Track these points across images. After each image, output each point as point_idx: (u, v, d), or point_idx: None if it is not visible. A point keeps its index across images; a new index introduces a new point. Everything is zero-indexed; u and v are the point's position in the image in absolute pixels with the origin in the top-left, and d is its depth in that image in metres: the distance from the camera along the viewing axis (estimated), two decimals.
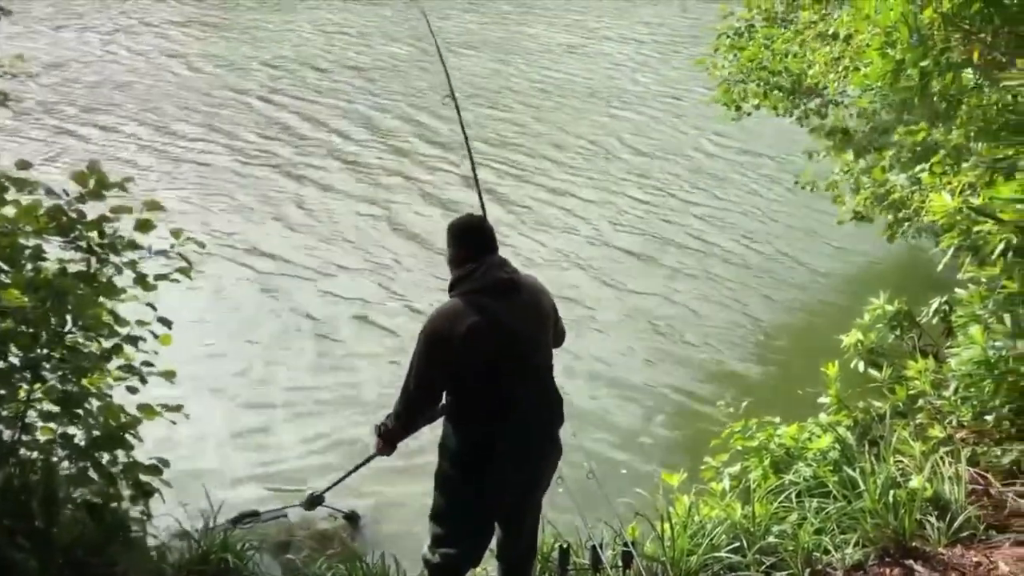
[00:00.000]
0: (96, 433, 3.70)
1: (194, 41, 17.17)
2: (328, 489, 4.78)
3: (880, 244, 7.27)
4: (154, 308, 3.90)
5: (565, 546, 3.59)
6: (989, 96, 4.41)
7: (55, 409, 3.63)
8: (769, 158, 11.71)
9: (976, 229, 3.62)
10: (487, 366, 3.14)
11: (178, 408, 4.03)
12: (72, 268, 3.77)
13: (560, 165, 11.22)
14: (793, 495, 3.89)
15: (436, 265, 7.86)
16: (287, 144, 11.55)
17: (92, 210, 3.79)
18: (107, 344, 3.80)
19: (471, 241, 3.26)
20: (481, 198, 4.33)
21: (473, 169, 4.50)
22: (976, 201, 3.53)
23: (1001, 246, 3.49)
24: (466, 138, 4.53)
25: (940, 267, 4.15)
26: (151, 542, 3.93)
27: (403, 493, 4.99)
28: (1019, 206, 3.31)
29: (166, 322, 3.92)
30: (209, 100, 13.31)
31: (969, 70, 4.22)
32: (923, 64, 4.05)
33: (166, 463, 3.96)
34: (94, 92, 13.37)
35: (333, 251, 8.47)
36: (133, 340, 3.87)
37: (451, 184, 10.29)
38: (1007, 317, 4.22)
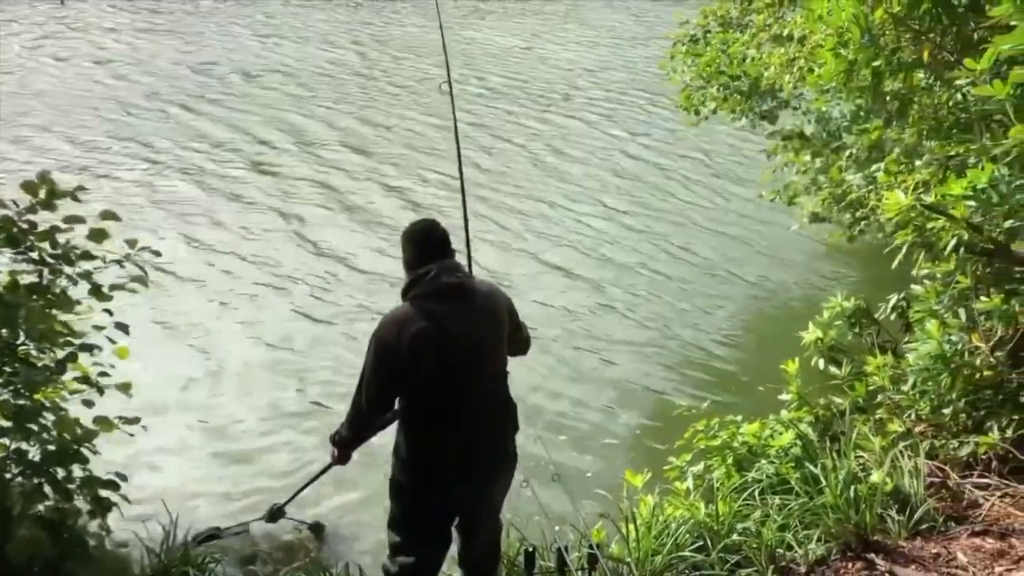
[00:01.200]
0: (51, 448, 3.63)
1: (125, 48, 16.95)
2: (289, 501, 4.73)
3: (838, 243, 7.38)
4: (110, 313, 3.84)
5: (531, 549, 3.58)
6: (940, 95, 4.49)
7: (8, 424, 3.55)
8: (713, 161, 11.90)
9: (929, 226, 3.68)
10: (435, 372, 3.12)
11: (135, 421, 3.97)
12: (24, 280, 3.70)
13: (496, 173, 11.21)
14: (756, 492, 3.93)
15: (368, 278, 7.91)
16: (202, 153, 11.22)
17: (44, 220, 3.73)
18: (61, 355, 3.73)
19: (422, 246, 3.24)
20: (464, 199, 4.24)
21: (460, 170, 4.42)
22: (928, 199, 3.58)
23: (953, 242, 3.55)
24: (456, 137, 4.42)
25: (895, 264, 4.21)
26: (110, 557, 3.86)
27: (367, 500, 4.95)
28: (969, 203, 3.36)
29: (123, 327, 3.86)
30: (131, 108, 13.05)
31: (920, 70, 4.30)
32: (875, 64, 4.12)
33: (124, 477, 3.90)
34: (13, 101, 12.90)
35: (247, 269, 8.24)
36: (88, 348, 3.81)
37: (372, 194, 10.15)
38: (961, 312, 4.30)
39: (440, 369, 3.12)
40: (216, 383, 6.31)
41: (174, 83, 14.49)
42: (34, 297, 3.66)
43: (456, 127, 4.46)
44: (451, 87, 4.43)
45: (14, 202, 3.71)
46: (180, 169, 10.68)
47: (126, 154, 11.14)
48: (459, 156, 4.30)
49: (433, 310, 3.12)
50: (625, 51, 18.96)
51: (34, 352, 3.66)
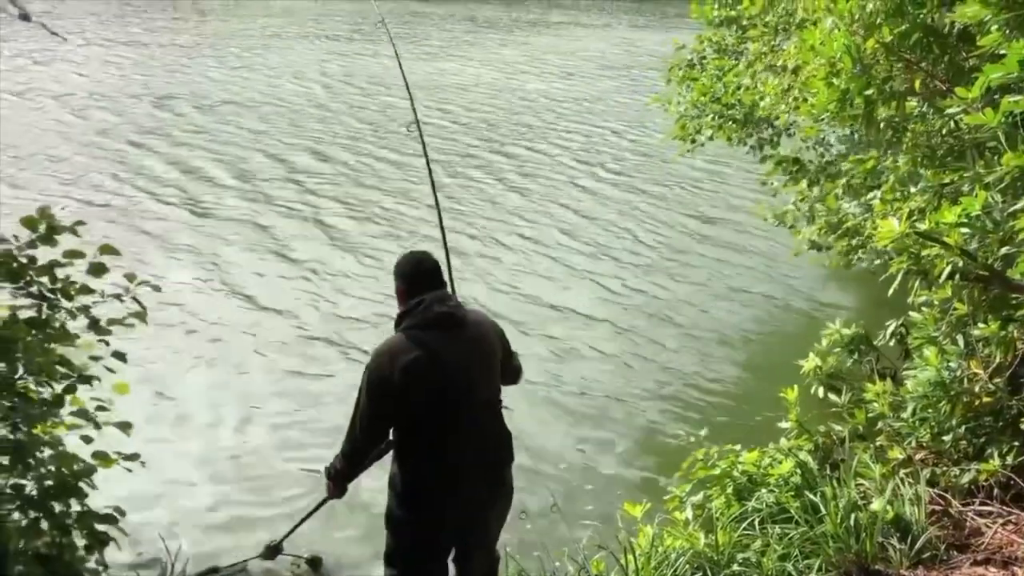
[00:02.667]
0: (49, 483, 3.62)
1: (86, 80, 17.02)
2: (286, 536, 4.71)
3: (836, 269, 7.39)
4: (107, 343, 3.83)
5: None
6: (933, 123, 4.52)
7: (5, 461, 3.54)
8: (704, 188, 11.93)
9: (924, 253, 3.69)
10: (428, 401, 3.13)
11: (135, 457, 3.95)
12: (23, 314, 3.71)
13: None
14: (756, 522, 3.90)
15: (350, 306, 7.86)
16: (142, 191, 11.06)
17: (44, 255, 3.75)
18: (59, 388, 3.73)
19: (413, 277, 3.29)
20: (443, 231, 4.31)
21: (436, 201, 4.48)
22: (923, 226, 3.59)
23: (948, 270, 3.56)
24: (429, 170, 4.54)
25: (891, 291, 4.23)
26: None
27: (365, 533, 4.92)
28: (964, 230, 3.38)
29: (120, 356, 3.86)
30: (80, 142, 13.03)
31: (912, 98, 4.34)
32: (867, 93, 4.16)
33: (122, 512, 3.87)
34: None
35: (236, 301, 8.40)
36: (87, 379, 3.80)
37: (290, 227, 10.03)
38: (960, 338, 4.31)
39: (432, 398, 3.14)
40: (209, 417, 6.28)
41: (130, 118, 14.52)
42: (33, 332, 3.66)
43: (427, 160, 4.56)
44: (419, 129, 4.55)
45: (15, 236, 3.74)
46: (123, 207, 10.45)
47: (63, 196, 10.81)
48: (434, 190, 4.40)
49: (425, 340, 3.14)
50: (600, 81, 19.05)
51: (32, 386, 3.66)
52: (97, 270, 3.81)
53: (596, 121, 15.83)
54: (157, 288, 3.97)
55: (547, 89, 18.24)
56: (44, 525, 3.56)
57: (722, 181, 12.31)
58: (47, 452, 3.63)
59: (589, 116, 16.20)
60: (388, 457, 3.44)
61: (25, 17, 3.59)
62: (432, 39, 22.82)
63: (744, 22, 7.49)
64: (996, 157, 3.39)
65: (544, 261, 9.20)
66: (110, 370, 3.84)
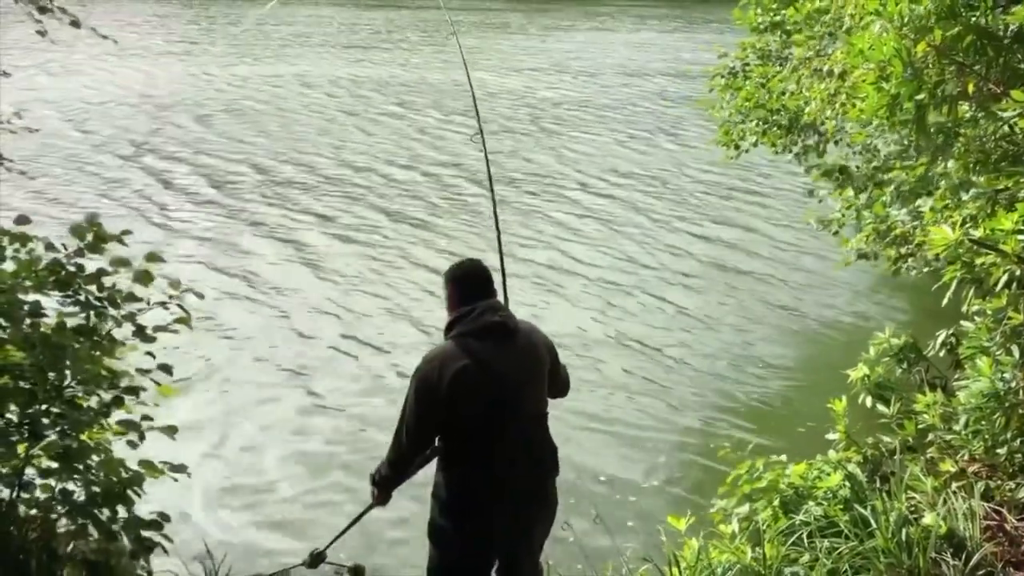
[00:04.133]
0: (96, 489, 3.66)
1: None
2: (330, 544, 4.69)
3: (884, 277, 7.27)
4: (153, 356, 3.88)
5: None
6: (986, 127, 4.41)
7: (54, 465, 3.60)
8: (751, 194, 11.80)
9: (978, 261, 3.60)
10: (476, 410, 3.11)
11: (182, 468, 3.98)
12: (71, 322, 3.77)
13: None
14: (804, 535, 3.81)
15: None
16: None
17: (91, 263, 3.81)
18: (107, 397, 3.78)
19: (465, 284, 3.28)
20: (500, 240, 4.27)
21: (495, 208, 4.45)
22: (977, 233, 3.50)
23: (1004, 278, 3.47)
24: (490, 177, 4.49)
25: (945, 301, 4.12)
26: None
27: (409, 541, 4.91)
28: (1020, 237, 3.29)
29: (167, 368, 3.90)
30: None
31: (965, 102, 4.24)
32: (919, 97, 4.07)
33: (167, 518, 3.91)
34: None
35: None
36: (133, 391, 3.85)
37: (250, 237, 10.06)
38: (1015, 348, 4.18)
39: (480, 407, 3.12)
40: (258, 426, 6.34)
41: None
42: (81, 339, 3.72)
43: (488, 167, 4.51)
44: (482, 135, 4.50)
45: (63, 245, 3.80)
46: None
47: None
48: (492, 197, 4.35)
49: (475, 348, 3.13)
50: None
51: (80, 394, 3.71)
52: (143, 278, 3.86)
53: (626, 128, 15.79)
54: (200, 295, 4.00)
55: (565, 96, 18.22)
56: (92, 531, 3.60)
57: (763, 191, 12.19)
58: (94, 459, 3.67)
59: (615, 122, 16.14)
60: (431, 466, 3.42)
61: (75, 23, 3.67)
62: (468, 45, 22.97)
63: (788, 27, 7.41)
64: None
65: (577, 275, 9.13)
66: (156, 383, 3.88)
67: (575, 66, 21.58)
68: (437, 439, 3.28)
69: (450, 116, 16.07)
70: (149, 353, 3.84)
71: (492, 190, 4.41)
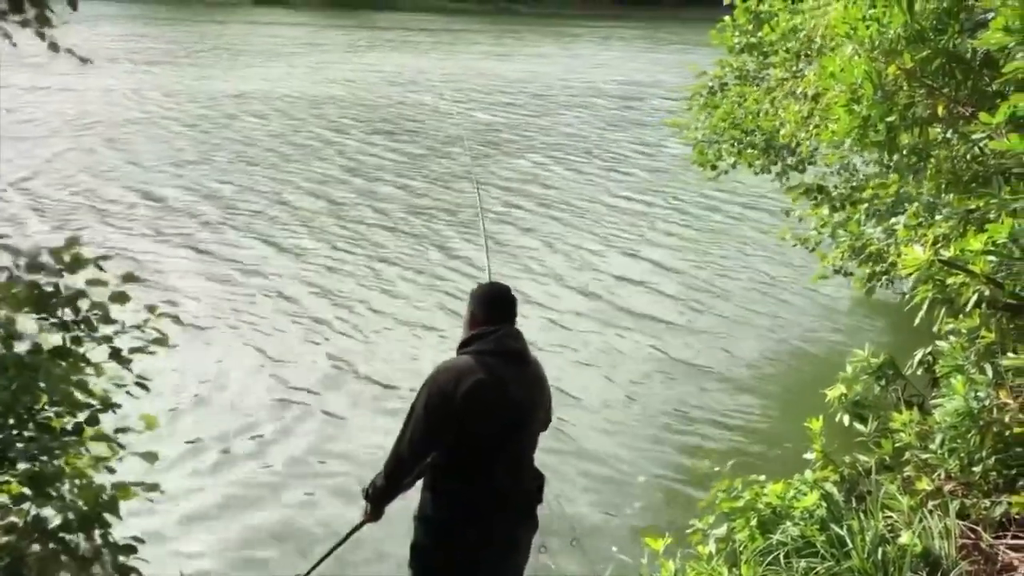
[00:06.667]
0: (71, 515, 3.62)
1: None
2: (313, 568, 4.65)
3: (862, 296, 7.31)
4: (130, 371, 3.84)
5: None
6: (957, 148, 4.47)
7: (27, 491, 3.55)
8: (728, 213, 11.88)
9: (950, 281, 3.64)
10: (484, 427, 3.13)
11: (155, 487, 3.94)
12: (47, 344, 3.74)
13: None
14: (781, 556, 3.82)
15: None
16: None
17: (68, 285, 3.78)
18: (81, 417, 3.74)
19: (493, 305, 3.33)
20: (489, 264, 4.33)
21: (485, 235, 4.51)
22: (948, 254, 3.55)
23: (974, 298, 3.51)
24: (479, 200, 4.56)
25: (917, 321, 4.16)
26: None
27: (398, 563, 4.87)
28: (990, 258, 3.33)
29: (143, 384, 3.86)
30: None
31: (935, 124, 4.30)
32: (889, 119, 4.13)
33: (141, 540, 3.86)
34: None
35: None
36: (111, 406, 3.80)
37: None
38: (988, 367, 4.22)
39: (489, 425, 3.15)
40: (234, 445, 6.29)
41: None
42: (58, 361, 3.69)
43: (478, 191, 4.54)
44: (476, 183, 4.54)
45: (43, 267, 3.77)
46: None
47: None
48: (483, 225, 4.41)
49: (494, 367, 3.16)
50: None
51: (53, 416, 3.67)
52: (118, 299, 3.83)
53: (627, 142, 15.90)
54: (177, 320, 3.98)
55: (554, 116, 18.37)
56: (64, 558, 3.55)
57: (742, 209, 12.27)
58: (67, 485, 3.63)
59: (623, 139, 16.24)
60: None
61: (54, 47, 3.65)
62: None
63: (765, 48, 7.49)
64: (1022, 183, 3.35)
65: (550, 298, 9.12)
66: (132, 396, 3.85)
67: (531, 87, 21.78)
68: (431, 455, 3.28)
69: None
70: (127, 369, 3.80)
71: (483, 226, 4.48)
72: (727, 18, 7.70)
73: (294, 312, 8.46)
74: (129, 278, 3.92)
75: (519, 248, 10.36)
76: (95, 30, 27.96)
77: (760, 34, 7.08)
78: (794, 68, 6.94)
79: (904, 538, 3.74)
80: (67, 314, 3.79)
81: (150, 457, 3.86)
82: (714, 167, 7.92)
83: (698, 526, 4.25)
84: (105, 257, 3.86)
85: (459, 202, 12.15)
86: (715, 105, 7.82)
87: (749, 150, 7.43)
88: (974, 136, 3.87)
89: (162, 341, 3.92)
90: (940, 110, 4.07)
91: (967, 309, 3.62)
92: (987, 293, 3.48)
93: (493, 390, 3.13)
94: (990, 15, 3.57)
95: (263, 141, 15.62)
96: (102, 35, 27.41)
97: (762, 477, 4.39)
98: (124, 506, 3.76)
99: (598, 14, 44.50)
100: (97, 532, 3.70)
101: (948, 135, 4.37)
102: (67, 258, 3.80)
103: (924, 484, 4.17)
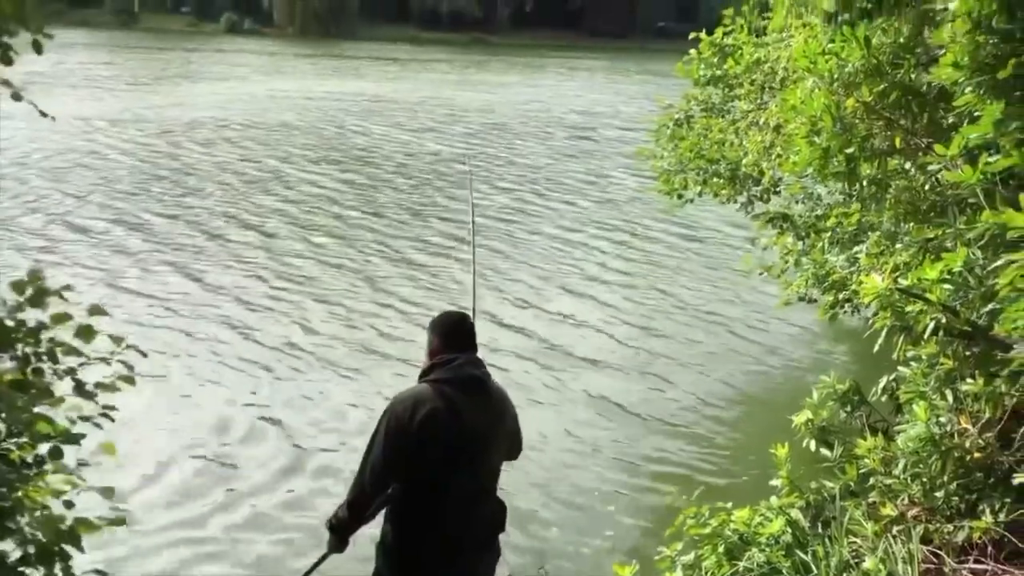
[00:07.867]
0: (31, 549, 3.56)
1: None
2: None
3: (828, 324, 7.40)
4: (96, 403, 3.80)
5: None
6: (915, 179, 4.57)
7: None
8: (693, 242, 12.03)
9: (908, 309, 3.71)
10: (441, 456, 3.13)
11: (120, 521, 3.89)
12: (8, 378, 3.69)
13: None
14: None
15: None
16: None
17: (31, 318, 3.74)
18: (43, 449, 3.69)
19: (451, 335, 3.34)
20: (475, 294, 4.36)
21: (473, 260, 4.54)
22: (906, 282, 3.62)
23: (931, 325, 3.57)
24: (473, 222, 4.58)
25: (876, 348, 4.24)
26: None
27: None
28: (946, 286, 3.40)
29: (108, 415, 3.81)
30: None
31: (893, 156, 4.39)
32: (848, 151, 4.22)
33: (104, 574, 3.80)
34: None
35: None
36: (73, 439, 3.76)
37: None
38: (948, 393, 4.29)
39: (446, 454, 3.14)
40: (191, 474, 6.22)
41: None
42: (18, 396, 3.64)
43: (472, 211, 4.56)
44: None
45: (3, 301, 3.73)
46: None
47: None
48: (473, 251, 4.43)
49: (451, 396, 3.16)
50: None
51: (14, 449, 3.62)
52: (84, 332, 3.80)
53: (569, 177, 16.01)
54: (143, 353, 3.95)
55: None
56: None
57: (703, 238, 12.42)
58: (26, 518, 3.57)
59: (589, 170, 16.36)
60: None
61: (16, 97, 3.61)
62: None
63: (731, 81, 7.62)
64: (976, 213, 3.43)
65: (525, 317, 9.16)
66: (98, 426, 3.81)
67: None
68: (392, 485, 3.27)
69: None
70: (93, 401, 3.76)
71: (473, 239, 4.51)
72: (693, 51, 7.83)
73: (219, 353, 8.20)
74: (96, 311, 3.90)
75: (457, 284, 10.17)
76: (73, 57, 27.81)
77: (725, 67, 7.21)
78: (758, 100, 7.07)
79: (868, 564, 3.78)
80: (28, 347, 3.76)
81: (108, 492, 3.82)
82: (680, 196, 8.01)
83: (666, 553, 4.27)
84: (69, 287, 3.84)
85: (400, 235, 12.12)
86: (681, 137, 7.93)
87: (715, 179, 7.53)
88: (930, 167, 3.96)
89: (129, 379, 3.89)
90: (898, 142, 4.17)
91: (925, 336, 3.68)
92: (943, 321, 3.55)
93: (448, 419, 3.13)
94: (941, 51, 3.67)
95: (205, 171, 15.53)
96: (73, 63, 27.29)
97: (729, 504, 4.42)
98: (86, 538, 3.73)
99: (568, 44, 45.16)
100: (58, 565, 3.65)
101: (907, 166, 4.46)
102: (29, 291, 3.77)
103: (888, 510, 4.22)
